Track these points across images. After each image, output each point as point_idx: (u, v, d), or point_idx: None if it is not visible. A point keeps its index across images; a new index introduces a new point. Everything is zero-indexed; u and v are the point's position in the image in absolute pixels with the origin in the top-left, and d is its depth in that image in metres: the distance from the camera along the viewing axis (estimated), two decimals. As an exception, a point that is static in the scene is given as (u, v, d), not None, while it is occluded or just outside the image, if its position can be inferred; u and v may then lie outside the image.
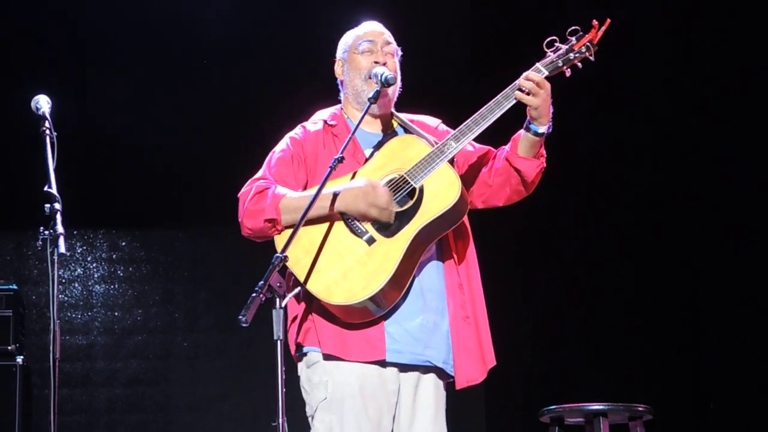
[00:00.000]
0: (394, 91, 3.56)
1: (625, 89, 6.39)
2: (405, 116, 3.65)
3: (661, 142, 6.71)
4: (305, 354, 3.45)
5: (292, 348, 3.47)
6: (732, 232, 6.50)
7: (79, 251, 7.15)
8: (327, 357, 3.39)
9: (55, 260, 3.29)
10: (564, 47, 3.45)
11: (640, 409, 4.50)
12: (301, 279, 3.33)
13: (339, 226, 3.37)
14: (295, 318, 3.45)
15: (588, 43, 3.45)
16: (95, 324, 7.08)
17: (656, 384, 6.48)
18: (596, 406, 4.44)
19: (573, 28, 3.47)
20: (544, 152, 3.49)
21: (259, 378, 6.73)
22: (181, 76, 6.68)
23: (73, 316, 7.06)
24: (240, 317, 3.00)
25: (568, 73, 3.45)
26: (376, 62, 3.53)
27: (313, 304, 3.40)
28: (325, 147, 3.51)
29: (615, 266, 6.77)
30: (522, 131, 3.45)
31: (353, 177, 3.41)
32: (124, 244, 7.19)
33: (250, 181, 3.50)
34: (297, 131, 3.59)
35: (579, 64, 3.45)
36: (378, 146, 3.54)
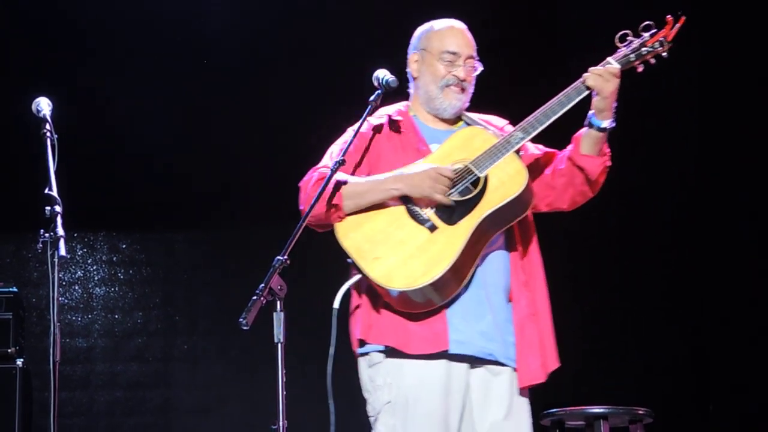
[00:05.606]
0: (465, 99, 3.50)
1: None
2: (473, 114, 3.60)
3: (664, 150, 6.70)
4: (367, 353, 3.39)
5: (354, 343, 3.42)
6: (736, 233, 6.49)
7: (79, 253, 7.14)
8: (389, 353, 3.32)
9: (56, 263, 3.29)
10: (637, 42, 3.36)
11: (641, 412, 4.49)
12: (362, 266, 3.29)
13: (401, 212, 3.33)
14: (357, 308, 3.40)
15: (662, 39, 3.35)
16: (95, 327, 7.07)
17: (657, 387, 6.46)
18: (597, 409, 4.43)
19: (646, 23, 3.38)
20: (608, 150, 3.41)
21: (259, 381, 6.73)
22: (182, 78, 6.67)
23: (74, 318, 7.05)
24: (240, 320, 3.00)
25: (640, 68, 3.36)
26: (455, 75, 3.46)
27: (372, 295, 3.35)
28: (389, 140, 3.47)
29: (615, 268, 6.75)
30: (584, 129, 3.38)
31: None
32: (124, 246, 7.18)
33: (311, 169, 3.44)
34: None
35: (652, 60, 3.36)
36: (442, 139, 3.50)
